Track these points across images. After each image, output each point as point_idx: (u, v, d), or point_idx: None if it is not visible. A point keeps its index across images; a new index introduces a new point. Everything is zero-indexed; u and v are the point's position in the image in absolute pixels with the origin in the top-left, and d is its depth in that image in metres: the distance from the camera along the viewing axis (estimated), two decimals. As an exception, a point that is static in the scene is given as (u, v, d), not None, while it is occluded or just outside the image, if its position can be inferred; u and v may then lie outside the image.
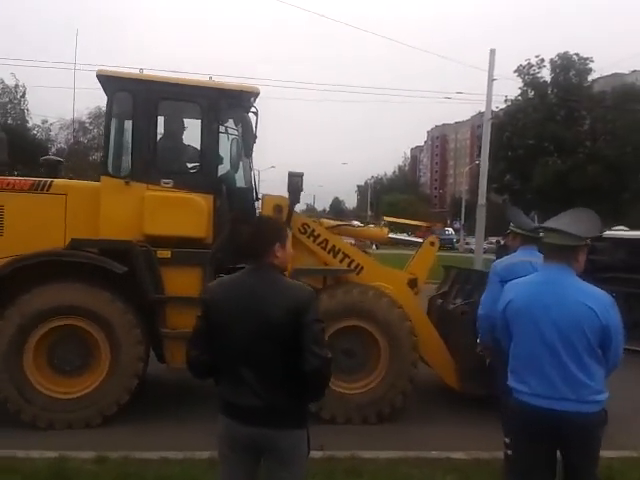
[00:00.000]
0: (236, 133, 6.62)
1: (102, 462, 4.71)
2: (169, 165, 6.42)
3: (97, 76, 6.27)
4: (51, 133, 54.45)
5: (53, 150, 55.73)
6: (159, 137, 6.38)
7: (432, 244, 6.97)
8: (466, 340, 5.98)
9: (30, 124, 53.43)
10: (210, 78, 6.63)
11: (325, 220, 7.27)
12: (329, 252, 6.46)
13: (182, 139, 6.67)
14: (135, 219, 5.96)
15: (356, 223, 8.02)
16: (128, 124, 6.46)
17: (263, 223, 2.88)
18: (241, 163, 6.53)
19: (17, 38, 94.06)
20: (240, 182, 6.68)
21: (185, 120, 6.70)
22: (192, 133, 6.57)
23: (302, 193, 6.39)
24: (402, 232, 10.51)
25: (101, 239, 6.02)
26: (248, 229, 2.78)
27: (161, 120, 6.44)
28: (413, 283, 6.74)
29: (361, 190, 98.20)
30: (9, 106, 53.22)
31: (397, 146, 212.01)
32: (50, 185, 6.13)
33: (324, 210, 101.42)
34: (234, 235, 6.03)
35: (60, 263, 5.81)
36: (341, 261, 6.48)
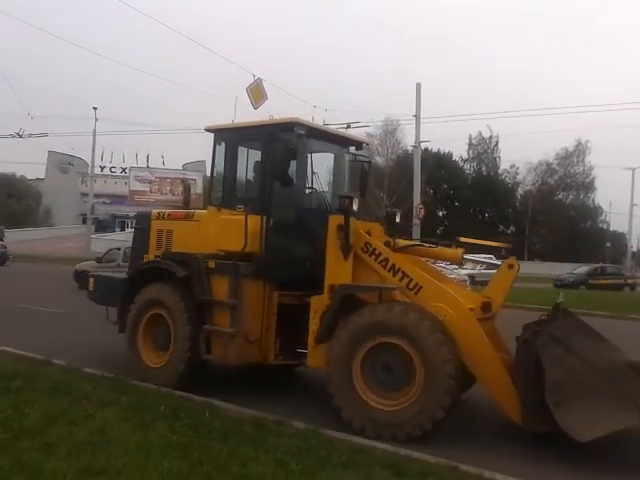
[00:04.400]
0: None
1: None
2: (241, 193, 7.88)
3: (205, 130, 8.15)
4: (518, 176, 63.71)
5: (520, 192, 63.63)
6: (242, 171, 7.89)
7: (510, 267, 6.59)
8: (525, 371, 5.74)
9: (500, 170, 62.73)
10: (270, 116, 8.01)
11: (401, 240, 7.35)
12: (389, 270, 6.64)
13: (255, 172, 7.87)
14: (218, 236, 7.48)
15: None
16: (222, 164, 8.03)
17: None
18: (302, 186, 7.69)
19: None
20: (302, 203, 7.69)
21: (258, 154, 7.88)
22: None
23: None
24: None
25: (175, 252, 7.93)
26: None
27: (245, 157, 7.92)
28: (487, 307, 6.50)
29: None
30: (483, 155, 63.42)
31: None
32: (193, 215, 8.21)
33: None
34: (276, 252, 7.17)
35: (156, 269, 7.85)
36: (400, 280, 6.56)
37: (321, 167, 8.15)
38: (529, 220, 60.72)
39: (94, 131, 44.50)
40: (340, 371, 6.21)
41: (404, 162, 46.84)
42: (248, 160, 7.95)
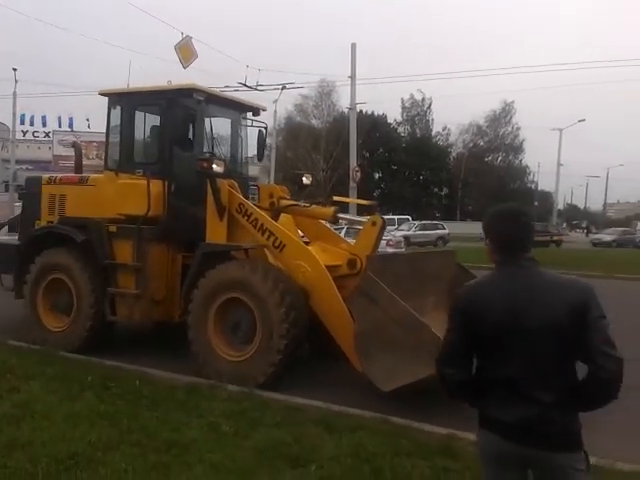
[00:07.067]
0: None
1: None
2: (139, 158, 7.98)
3: (99, 94, 8.12)
4: (450, 139, 65.12)
5: (453, 154, 64.29)
6: (140, 136, 8.02)
7: (374, 224, 6.89)
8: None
9: (433, 132, 63.58)
10: (168, 82, 7.88)
11: (284, 200, 7.74)
12: (258, 230, 6.94)
13: (154, 136, 7.94)
14: (117, 201, 7.55)
15: None
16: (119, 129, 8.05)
17: (527, 214, 2.44)
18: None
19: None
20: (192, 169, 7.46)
21: (155, 119, 7.95)
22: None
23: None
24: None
25: (74, 217, 7.93)
26: (508, 221, 2.40)
27: (142, 122, 7.98)
28: (353, 263, 6.78)
29: None
30: (417, 118, 60.65)
31: None
32: (88, 179, 8.21)
33: None
34: (177, 216, 7.38)
35: (52, 234, 7.89)
36: (267, 238, 6.87)
37: (220, 132, 8.42)
38: (461, 182, 62.26)
39: (14, 93, 41.97)
40: (197, 323, 6.63)
41: (340, 124, 46.71)
42: (145, 125, 8.06)
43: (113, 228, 7.50)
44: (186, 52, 21.03)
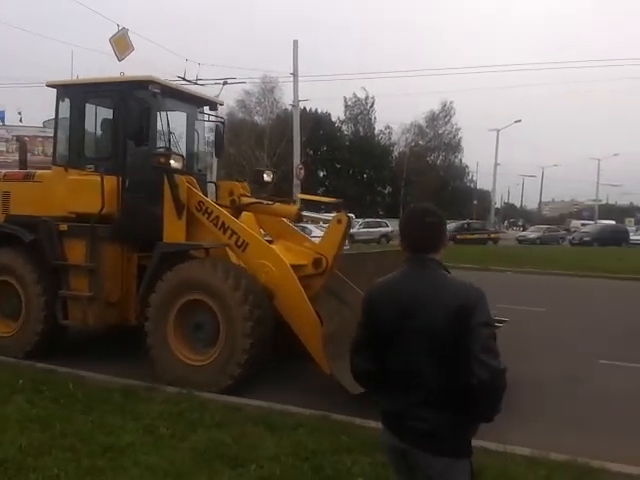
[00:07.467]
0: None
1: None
2: (91, 153, 7.68)
3: (47, 86, 7.76)
4: (393, 137, 64.80)
5: (395, 153, 64.56)
6: (91, 130, 7.67)
7: (339, 222, 6.62)
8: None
9: (376, 131, 64.21)
10: (121, 74, 7.63)
11: (245, 198, 7.54)
12: (220, 228, 6.71)
13: (107, 130, 7.59)
14: (67, 198, 7.18)
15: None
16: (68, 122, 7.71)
17: (438, 215, 2.41)
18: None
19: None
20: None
21: (108, 112, 7.61)
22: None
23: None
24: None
25: (19, 215, 7.55)
26: (416, 221, 2.40)
27: (94, 115, 7.66)
28: (318, 263, 6.54)
29: None
30: (359, 117, 62.65)
31: None
32: (34, 175, 7.86)
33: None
34: (132, 214, 7.04)
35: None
36: (230, 237, 6.65)
37: (176, 126, 8.08)
38: (404, 180, 63.34)
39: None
40: (156, 326, 6.34)
41: (284, 121, 46.54)
42: (97, 118, 7.70)
43: (64, 227, 7.12)
44: (121, 45, 20.44)
